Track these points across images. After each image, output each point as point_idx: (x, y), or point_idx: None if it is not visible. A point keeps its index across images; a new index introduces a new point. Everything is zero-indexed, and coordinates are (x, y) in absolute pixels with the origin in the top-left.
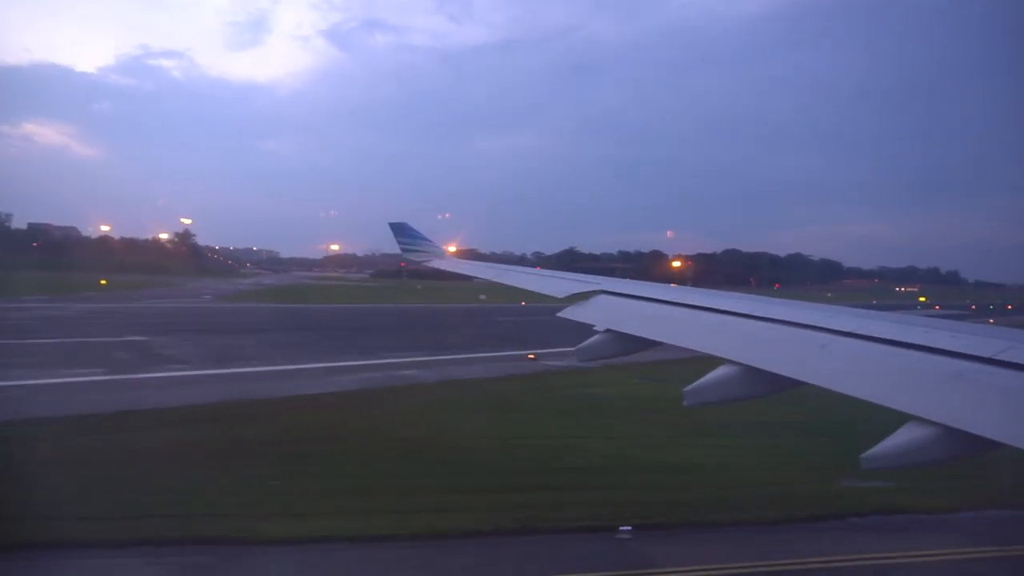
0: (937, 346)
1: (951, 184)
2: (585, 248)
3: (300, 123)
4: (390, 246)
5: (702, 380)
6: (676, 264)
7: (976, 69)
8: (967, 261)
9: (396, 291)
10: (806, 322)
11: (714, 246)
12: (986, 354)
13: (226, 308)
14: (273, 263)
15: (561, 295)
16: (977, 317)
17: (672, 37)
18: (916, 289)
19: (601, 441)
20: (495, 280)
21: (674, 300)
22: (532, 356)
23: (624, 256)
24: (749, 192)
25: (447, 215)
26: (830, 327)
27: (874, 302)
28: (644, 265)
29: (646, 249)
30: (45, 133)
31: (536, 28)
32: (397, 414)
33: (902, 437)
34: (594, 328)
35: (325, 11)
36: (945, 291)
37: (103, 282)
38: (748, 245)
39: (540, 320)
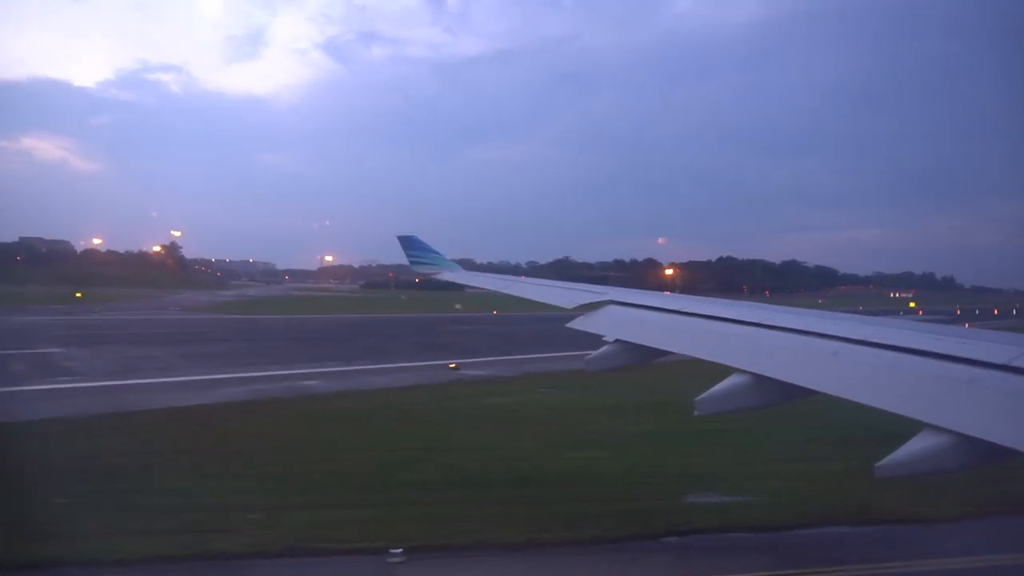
0: (950, 353)
1: (949, 189)
2: (579, 257)
3: (297, 135)
4: (385, 257)
5: (713, 389)
6: (669, 272)
7: (973, 73)
8: (964, 266)
9: (377, 302)
10: (817, 330)
11: (709, 253)
12: (1000, 361)
13: (180, 320)
14: (268, 275)
15: (570, 306)
16: (959, 322)
17: (667, 46)
18: (910, 295)
19: (460, 453)
20: (504, 292)
21: (684, 310)
22: (453, 366)
23: (619, 264)
24: (745, 199)
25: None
26: (842, 335)
27: (860, 308)
28: (638, 273)
29: (641, 257)
30: (44, 148)
31: (532, 39)
32: (256, 427)
33: (916, 445)
34: (604, 339)
35: (322, 24)
36: (940, 297)
37: (79, 295)
38: (744, 252)
39: (501, 329)
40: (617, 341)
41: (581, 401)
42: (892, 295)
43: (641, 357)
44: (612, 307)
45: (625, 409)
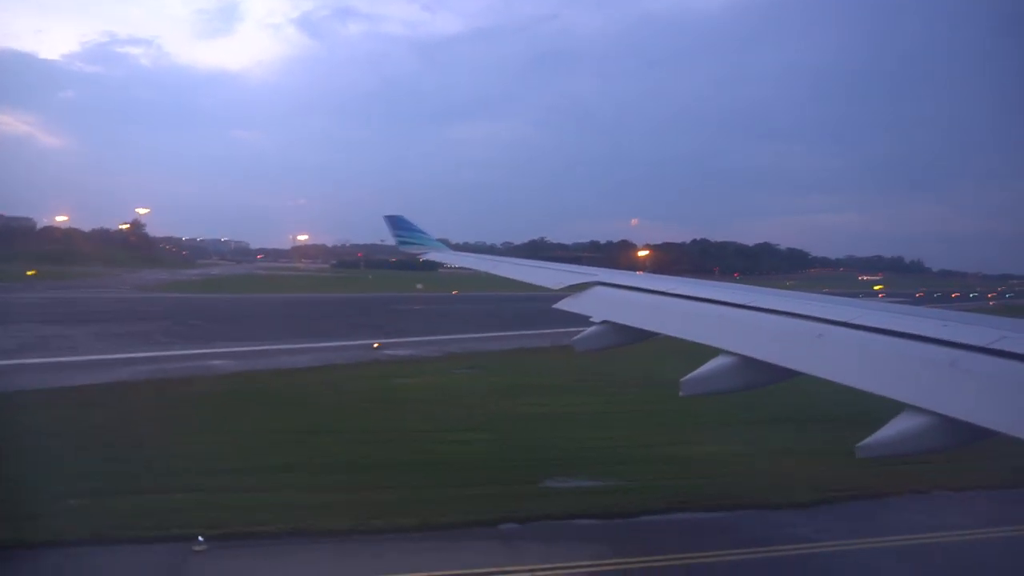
0: (932, 335)
1: (920, 174)
2: (555, 238)
3: (272, 112)
4: (359, 236)
5: (698, 371)
6: (643, 254)
7: (946, 61)
8: (933, 250)
9: (340, 281)
10: (803, 312)
11: (685, 236)
12: (980, 343)
13: (121, 299)
14: (240, 254)
15: (557, 286)
16: (918, 305)
17: (646, 27)
18: (879, 277)
19: (336, 436)
20: (491, 272)
21: (671, 291)
22: (377, 345)
23: (594, 246)
24: (723, 183)
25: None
26: (826, 317)
27: (824, 290)
28: (612, 254)
29: (616, 239)
30: (8, 122)
31: (510, 17)
32: (130, 409)
33: (897, 426)
34: (591, 319)
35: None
36: (908, 280)
37: (30, 272)
38: (719, 235)
39: (452, 309)
40: (604, 322)
41: (493, 382)
42: (861, 278)
43: (628, 338)
44: (599, 288)
45: (538, 390)
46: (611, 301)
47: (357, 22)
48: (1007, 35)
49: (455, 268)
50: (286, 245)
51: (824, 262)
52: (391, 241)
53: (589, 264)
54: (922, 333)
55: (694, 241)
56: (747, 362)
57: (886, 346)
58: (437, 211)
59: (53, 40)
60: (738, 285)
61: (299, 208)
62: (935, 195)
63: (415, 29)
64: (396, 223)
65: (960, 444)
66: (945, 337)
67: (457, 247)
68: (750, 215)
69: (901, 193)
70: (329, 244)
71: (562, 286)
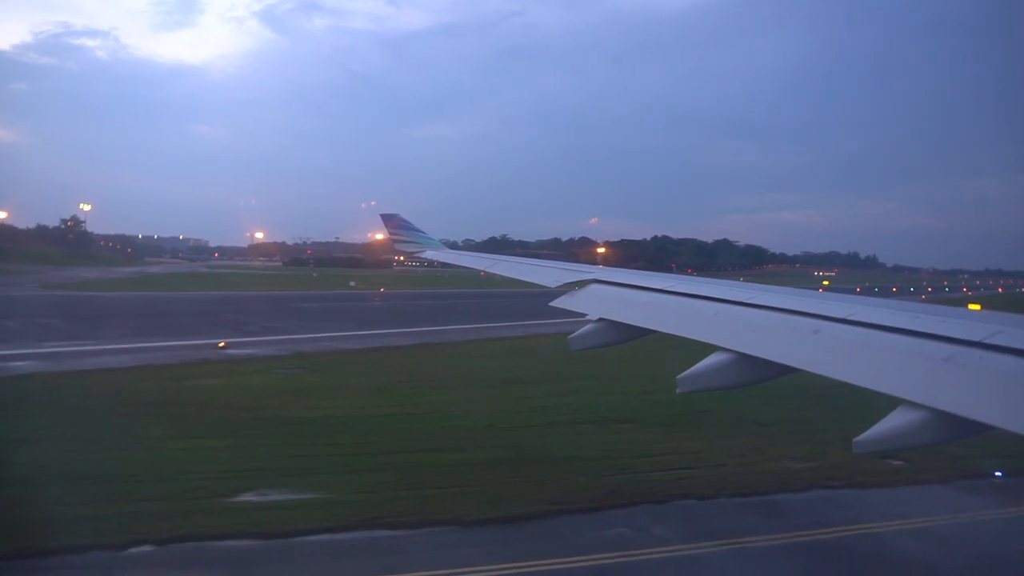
0: (928, 331)
1: (876, 173)
2: (516, 235)
3: (234, 107)
4: (320, 234)
5: (695, 368)
6: (602, 250)
7: (906, 62)
8: (887, 246)
9: (278, 279)
10: (799, 309)
11: (645, 232)
12: (976, 338)
13: (9, 296)
14: (196, 252)
15: (553, 284)
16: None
17: (611, 25)
18: (833, 273)
19: (46, 445)
20: (488, 270)
21: (667, 288)
22: (223, 344)
23: (555, 243)
24: (684, 180)
25: (373, 203)
26: (823, 313)
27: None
28: (572, 251)
29: (578, 236)
30: None
31: (476, 13)
32: None
33: (893, 421)
34: (587, 317)
35: None
36: (862, 275)
37: None
38: (679, 232)
39: (356, 306)
40: (601, 320)
41: (301, 383)
42: (817, 273)
43: (624, 335)
44: (595, 286)
45: (341, 392)
46: (607, 298)
47: (322, 16)
48: (961, 39)
49: (462, 267)
50: (245, 242)
51: (782, 258)
52: (347, 239)
53: (550, 260)
54: (919, 328)
55: (655, 238)
56: (743, 358)
57: (882, 341)
58: (400, 206)
59: (4, 30)
60: (734, 282)
61: (260, 205)
62: (891, 193)
63: (381, 24)
64: (391, 221)
65: (956, 438)
66: (941, 332)
67: None
68: (712, 212)
69: (858, 191)
70: (290, 242)
71: (559, 284)
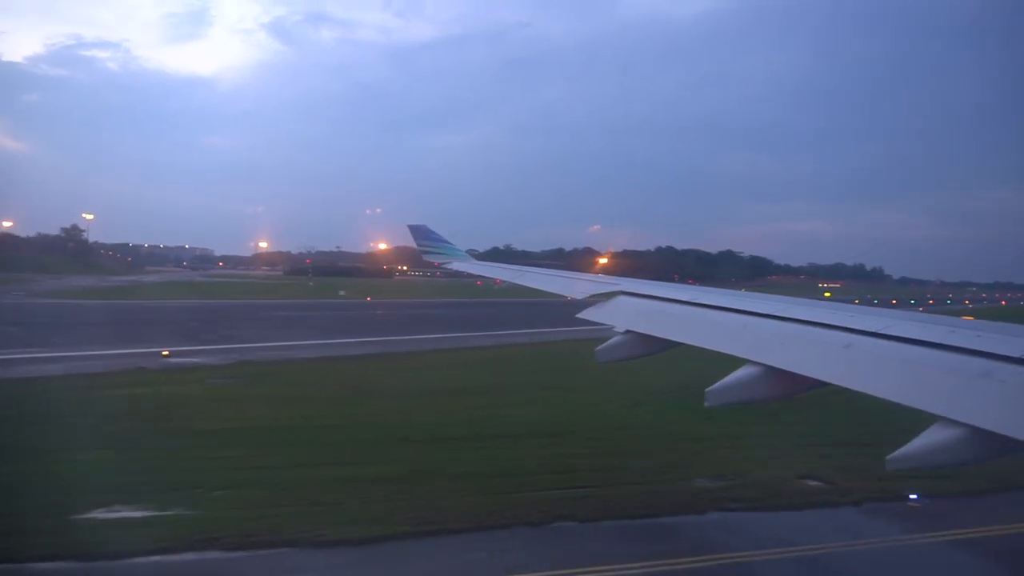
0: (964, 345)
1: (885, 184)
2: (520, 245)
3: (243, 118)
4: (326, 243)
5: (723, 381)
6: (604, 261)
7: (918, 71)
8: (895, 258)
9: (273, 287)
10: (829, 322)
11: (651, 243)
12: (1015, 354)
13: None
14: (201, 261)
15: (580, 296)
16: None
17: (619, 35)
18: (838, 285)
19: None
20: (514, 282)
21: (695, 300)
22: (166, 353)
23: (558, 253)
24: (691, 190)
25: (378, 210)
26: (854, 327)
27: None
28: (574, 262)
29: (581, 246)
30: None
31: (484, 25)
32: None
33: (929, 438)
34: (614, 329)
35: (268, 5)
36: (867, 287)
37: None
38: (685, 243)
39: (333, 316)
40: (628, 332)
41: (226, 394)
42: (821, 285)
43: (652, 347)
44: (622, 298)
45: (258, 402)
46: (634, 310)
47: (330, 28)
48: (974, 49)
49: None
50: (250, 252)
51: (787, 269)
52: (352, 248)
53: (553, 269)
54: (955, 343)
55: (659, 248)
56: (773, 372)
57: (917, 356)
58: (407, 216)
59: (16, 42)
60: (764, 295)
61: (267, 215)
62: (900, 203)
63: (389, 36)
64: (420, 233)
65: (994, 457)
66: (978, 347)
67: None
68: (718, 223)
69: (869, 201)
70: (295, 251)
71: (585, 295)
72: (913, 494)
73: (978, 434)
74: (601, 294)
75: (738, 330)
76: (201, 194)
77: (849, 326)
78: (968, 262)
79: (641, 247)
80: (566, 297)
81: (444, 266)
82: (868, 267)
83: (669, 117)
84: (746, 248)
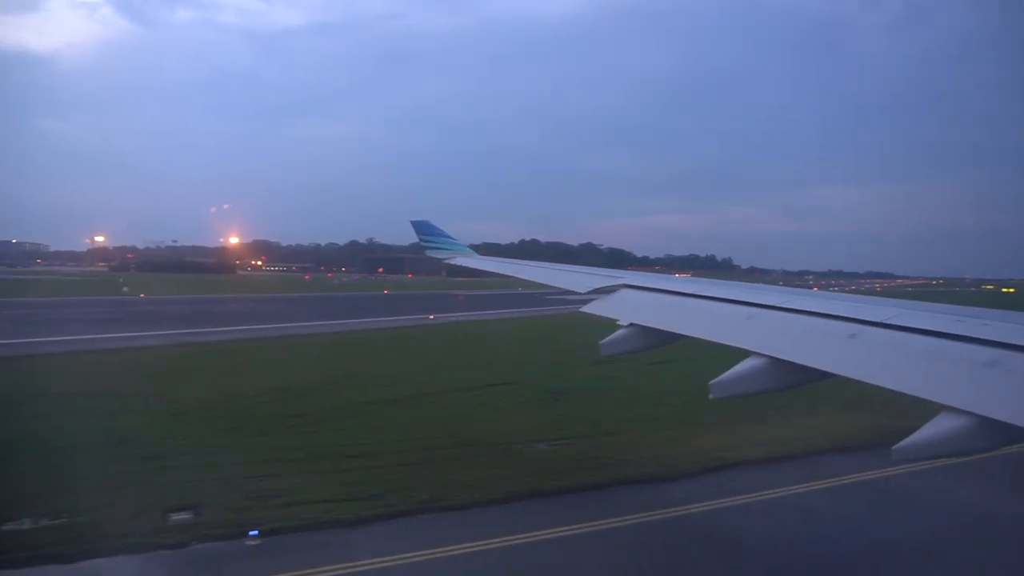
0: (971, 335)
1: (735, 180)
2: (384, 239)
3: (87, 101)
4: (186, 238)
5: (728, 373)
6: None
7: (764, 74)
8: (745, 250)
9: (60, 284)
10: (835, 313)
11: (514, 235)
12: (1021, 342)
13: None
14: (31, 257)
15: (583, 289)
16: None
17: (489, 30)
18: (689, 275)
19: None
20: (517, 276)
21: (699, 293)
22: None
23: (418, 246)
24: (556, 184)
25: (225, 207)
26: (860, 317)
27: None
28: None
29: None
30: None
31: (352, 14)
32: None
33: (934, 428)
34: (618, 323)
35: None
36: (717, 276)
37: None
38: (549, 235)
39: (73, 312)
40: (632, 325)
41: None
42: (676, 275)
43: (656, 340)
44: (626, 291)
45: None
46: (638, 304)
47: (186, 7)
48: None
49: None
50: (84, 247)
51: (644, 261)
52: (185, 242)
53: (410, 265)
54: (960, 332)
55: (521, 241)
56: (778, 364)
57: (923, 346)
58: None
59: None
60: (767, 286)
61: (112, 207)
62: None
63: (251, 19)
64: (423, 228)
65: (1001, 445)
66: (985, 336)
67: (284, 249)
68: (584, 217)
69: (724, 197)
70: (140, 246)
71: (588, 289)
72: (253, 531)
73: (984, 423)
74: (604, 287)
75: (742, 322)
76: (40, 183)
77: (854, 316)
78: (808, 252)
79: (505, 240)
80: (572, 291)
81: (447, 261)
82: (719, 258)
83: (537, 113)
84: (608, 241)
